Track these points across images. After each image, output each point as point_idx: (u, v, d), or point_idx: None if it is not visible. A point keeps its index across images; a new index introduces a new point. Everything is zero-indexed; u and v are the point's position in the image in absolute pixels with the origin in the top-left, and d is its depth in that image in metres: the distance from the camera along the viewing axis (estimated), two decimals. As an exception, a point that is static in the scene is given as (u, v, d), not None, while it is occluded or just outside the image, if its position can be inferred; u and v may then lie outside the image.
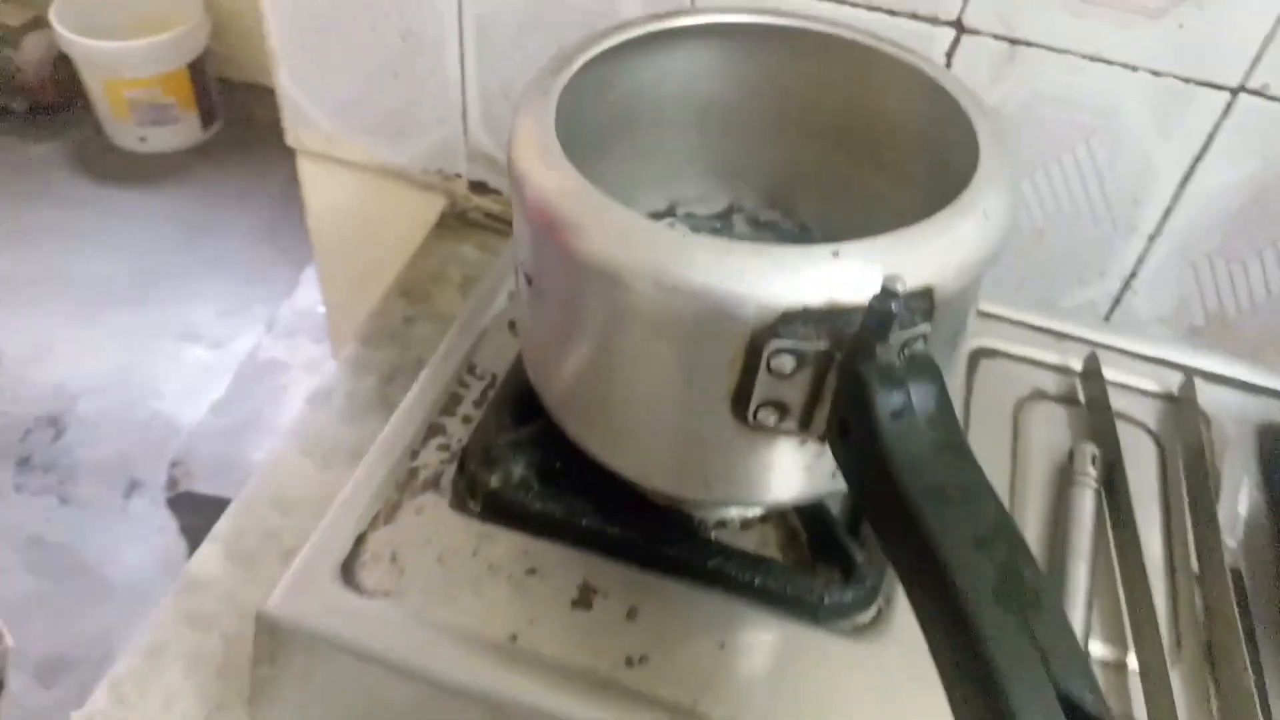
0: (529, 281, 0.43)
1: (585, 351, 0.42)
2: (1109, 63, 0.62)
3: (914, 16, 0.64)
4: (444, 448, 0.52)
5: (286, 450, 0.67)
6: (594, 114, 0.50)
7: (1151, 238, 0.70)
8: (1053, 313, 0.64)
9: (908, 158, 0.52)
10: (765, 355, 0.36)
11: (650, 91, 0.52)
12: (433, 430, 0.53)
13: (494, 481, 0.49)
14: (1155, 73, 0.62)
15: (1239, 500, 0.54)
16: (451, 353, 0.56)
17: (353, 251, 0.94)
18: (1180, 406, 0.58)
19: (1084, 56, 0.62)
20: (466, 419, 0.54)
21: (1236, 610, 0.46)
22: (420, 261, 0.81)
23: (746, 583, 0.47)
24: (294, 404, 1.80)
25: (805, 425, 0.39)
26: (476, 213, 0.85)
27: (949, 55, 0.65)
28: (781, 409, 0.38)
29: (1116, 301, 0.73)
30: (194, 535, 1.76)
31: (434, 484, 0.51)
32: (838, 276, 0.36)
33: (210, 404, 1.87)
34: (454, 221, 0.85)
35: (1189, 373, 0.61)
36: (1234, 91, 0.61)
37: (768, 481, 0.43)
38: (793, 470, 0.42)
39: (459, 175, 0.84)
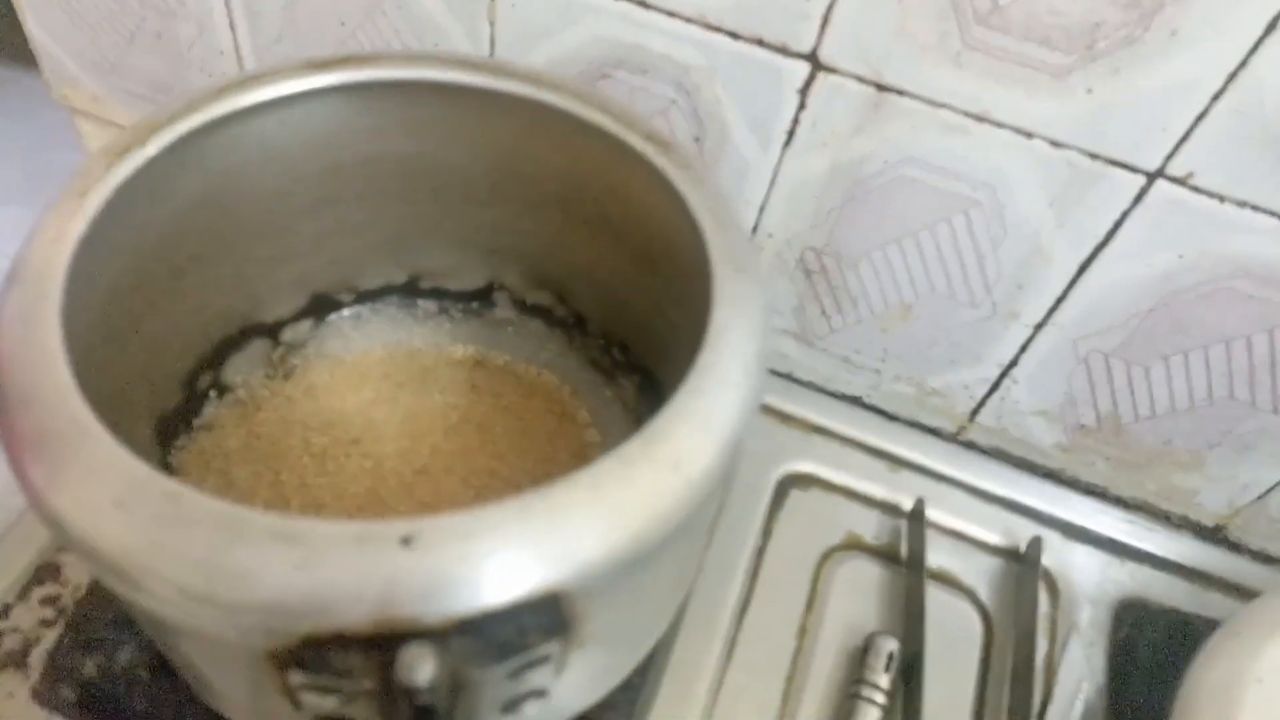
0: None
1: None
2: (997, 125, 0.48)
3: (760, 43, 0.49)
4: (50, 602, 0.40)
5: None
6: (260, 177, 0.36)
7: (1038, 326, 0.57)
8: (890, 432, 0.52)
9: (678, 274, 0.38)
10: (292, 688, 0.24)
11: (350, 148, 0.38)
12: (42, 574, 0.41)
13: (89, 668, 0.38)
14: (1055, 143, 0.48)
15: (1074, 709, 0.43)
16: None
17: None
18: (1021, 573, 0.47)
19: (967, 114, 0.48)
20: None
21: None
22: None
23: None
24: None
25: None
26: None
27: (801, 94, 0.51)
28: (352, 721, 0.26)
29: (994, 388, 0.61)
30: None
31: (19, 659, 0.39)
32: (399, 582, 0.23)
33: None
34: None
35: (1046, 521, 0.49)
36: (1150, 176, 0.48)
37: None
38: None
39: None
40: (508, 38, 0.54)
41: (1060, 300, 0.55)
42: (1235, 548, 0.61)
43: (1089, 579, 0.48)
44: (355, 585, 0.23)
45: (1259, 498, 0.61)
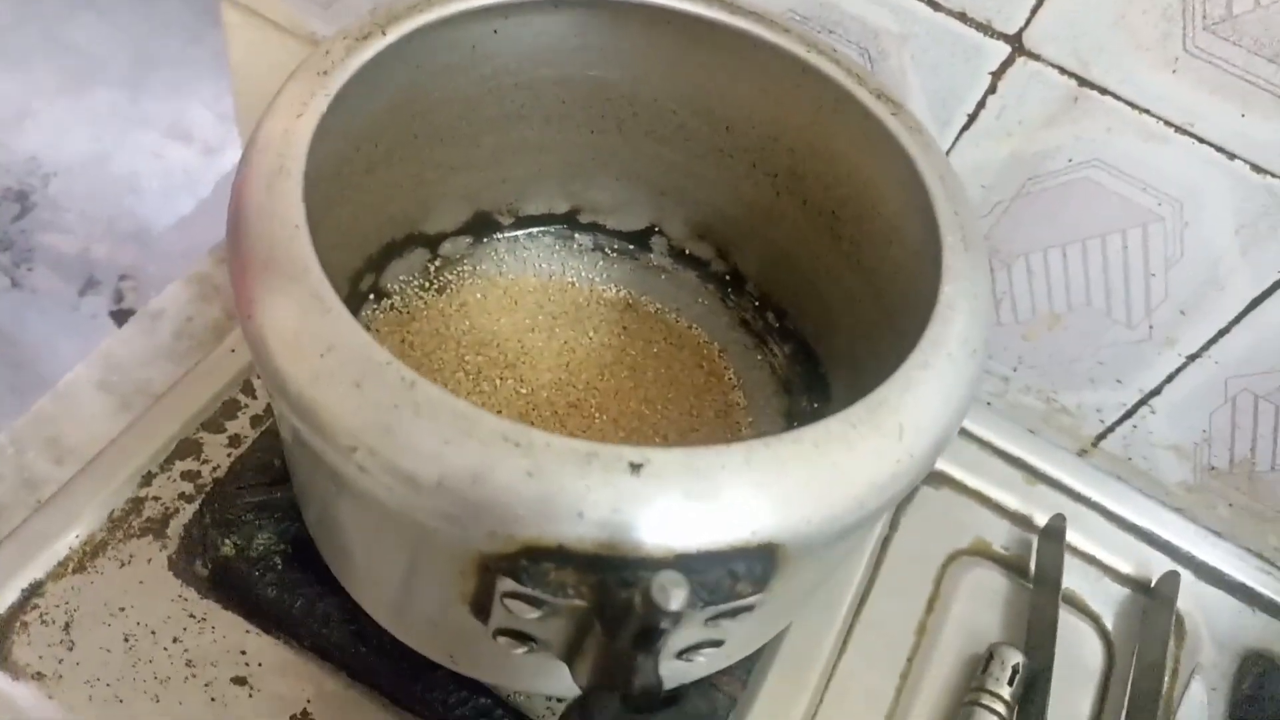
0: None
1: (315, 488, 0.30)
2: (1200, 140, 0.46)
3: (962, 17, 0.47)
4: (191, 477, 0.40)
5: (82, 377, 0.55)
6: (451, 80, 0.36)
7: (1192, 357, 0.55)
8: (1028, 443, 0.50)
9: (867, 240, 0.37)
10: (498, 593, 0.23)
11: (543, 65, 0.37)
12: (185, 448, 0.41)
13: (226, 547, 0.38)
14: (1258, 167, 0.46)
15: (1188, 751, 0.42)
16: (244, 342, 0.44)
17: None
18: (1152, 606, 0.45)
19: (1170, 124, 0.46)
20: (235, 440, 0.42)
21: None
22: (322, 167, 0.67)
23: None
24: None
25: (567, 659, 0.27)
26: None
27: (994, 76, 0.48)
28: (528, 640, 0.26)
29: (1127, 415, 0.59)
30: (134, 354, 1.67)
31: (159, 528, 0.39)
32: (624, 507, 0.23)
33: (179, 218, 1.75)
34: (378, 123, 0.70)
35: (1181, 557, 0.47)
36: (1356, 217, 0.45)
37: (520, 679, 0.31)
38: (550, 676, 0.30)
39: (393, 69, 0.69)
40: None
41: (1223, 333, 0.53)
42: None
43: (1219, 623, 0.46)
44: (583, 502, 0.22)
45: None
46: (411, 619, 0.33)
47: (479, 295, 0.42)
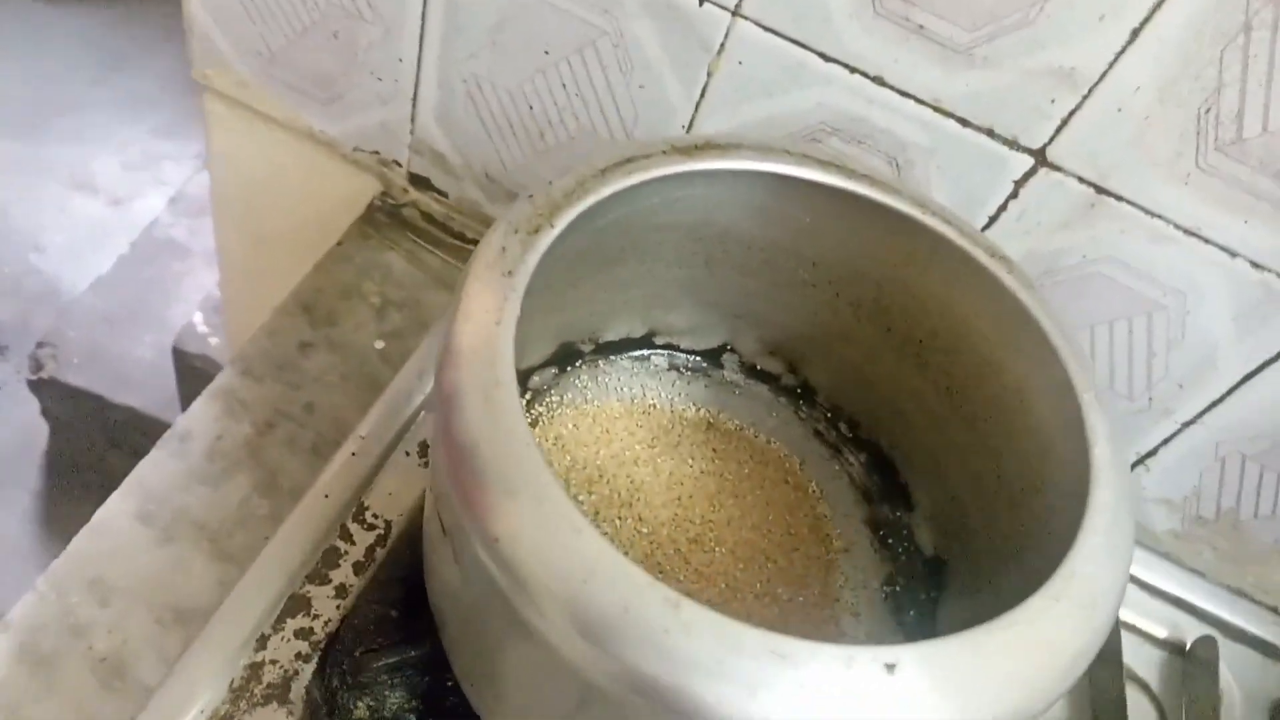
0: (440, 523, 0.31)
1: (492, 647, 0.30)
2: (1206, 241, 0.51)
3: (990, 134, 0.51)
4: (304, 635, 0.40)
5: (118, 509, 0.53)
6: (572, 239, 0.37)
7: (1186, 424, 0.60)
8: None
9: (959, 369, 0.40)
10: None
11: (653, 217, 0.39)
12: (294, 605, 0.41)
13: (360, 710, 0.38)
14: (1256, 264, 0.51)
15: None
16: (336, 484, 0.43)
17: (258, 216, 0.78)
18: (1191, 669, 0.49)
19: (1180, 228, 0.51)
20: (342, 590, 0.41)
21: None
22: (332, 267, 0.67)
23: None
24: (187, 302, 1.62)
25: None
26: (412, 211, 0.70)
27: (1017, 184, 0.52)
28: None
29: (1125, 474, 0.64)
30: (56, 422, 1.59)
31: (281, 693, 0.39)
32: (883, 708, 0.24)
33: (94, 279, 1.67)
34: (384, 217, 0.70)
35: (1209, 620, 0.52)
36: (1338, 305, 0.51)
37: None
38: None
39: (398, 163, 0.69)
40: (724, 92, 0.54)
41: (1215, 403, 0.58)
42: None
43: (1245, 678, 0.51)
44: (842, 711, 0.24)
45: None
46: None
47: (571, 426, 0.43)
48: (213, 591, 0.53)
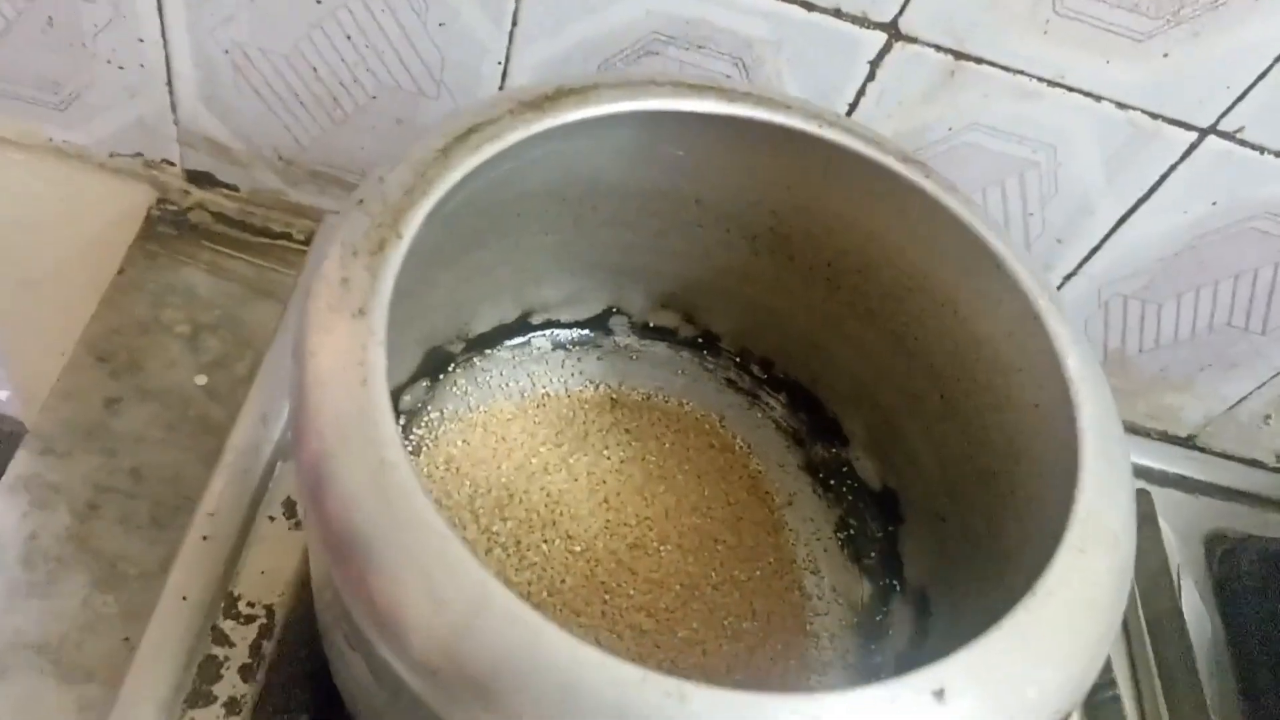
0: (342, 632, 0.25)
1: None
2: (1069, 89, 0.48)
3: (837, 14, 0.46)
4: (207, 759, 0.33)
5: (-72, 656, 0.44)
6: (420, 238, 0.30)
7: (1068, 276, 0.59)
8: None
9: (876, 290, 0.36)
10: None
11: (508, 188, 0.32)
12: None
13: (294, 844, 0.31)
14: (1121, 104, 0.49)
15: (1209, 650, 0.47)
16: (193, 580, 0.36)
17: (13, 257, 0.65)
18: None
19: (1043, 80, 0.48)
20: (233, 706, 0.34)
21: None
22: (120, 300, 0.56)
23: None
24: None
25: None
26: (201, 214, 0.60)
27: (873, 65, 0.48)
28: None
29: (1014, 336, 0.63)
30: None
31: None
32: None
33: None
34: (168, 228, 0.59)
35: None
36: (1203, 132, 0.50)
37: None
38: None
39: (169, 162, 0.58)
40: (538, 15, 0.47)
41: (1094, 251, 0.57)
42: (1203, 452, 0.67)
43: (1175, 519, 0.51)
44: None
45: (1229, 409, 0.67)
46: None
47: (461, 442, 0.37)
48: (73, 718, 0.44)
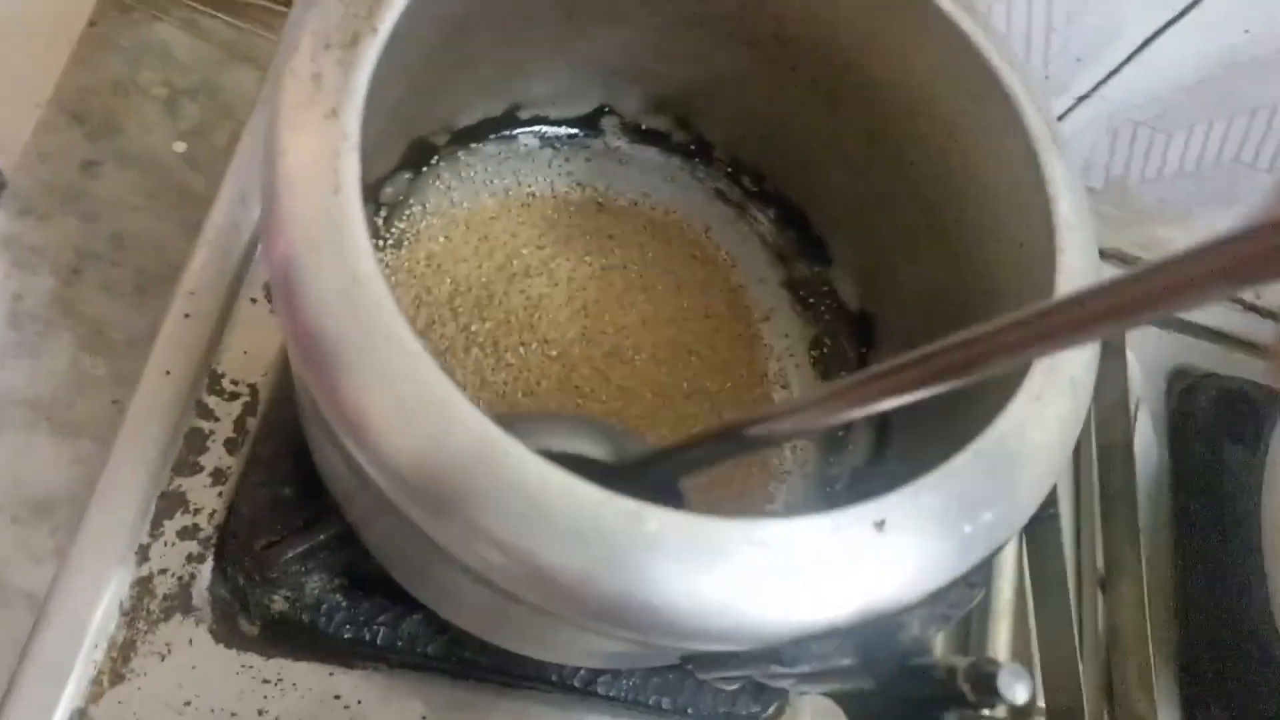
0: (318, 415, 0.25)
1: (402, 545, 0.26)
2: (1114, -107, 0.45)
3: None
4: (190, 533, 0.35)
5: (-78, 410, 0.45)
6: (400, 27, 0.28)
7: (1081, 98, 0.57)
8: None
9: (880, 106, 0.34)
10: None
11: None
12: (167, 505, 0.35)
13: (278, 602, 0.34)
14: (1167, -86, 0.45)
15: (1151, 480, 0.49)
16: (176, 356, 0.37)
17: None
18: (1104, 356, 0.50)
19: (1089, -119, 0.44)
20: (219, 476, 0.36)
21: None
22: (93, 57, 0.53)
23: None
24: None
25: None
26: (173, -37, 0.56)
27: None
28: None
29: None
30: None
31: (183, 601, 0.34)
32: (876, 570, 0.22)
33: None
34: (137, -21, 0.56)
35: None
36: (1248, -49, 0.47)
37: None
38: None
39: (134, -99, 0.54)
40: None
41: (1113, 73, 0.55)
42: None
43: (1143, 352, 0.52)
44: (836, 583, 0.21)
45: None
46: (530, 638, 0.32)
47: (442, 239, 0.37)
48: (68, 472, 0.46)
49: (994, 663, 0.21)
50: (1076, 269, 0.27)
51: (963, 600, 0.24)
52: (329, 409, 0.21)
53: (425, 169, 0.38)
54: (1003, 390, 0.27)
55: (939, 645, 0.42)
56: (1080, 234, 0.27)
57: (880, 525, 0.22)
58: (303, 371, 0.22)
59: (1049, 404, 0.25)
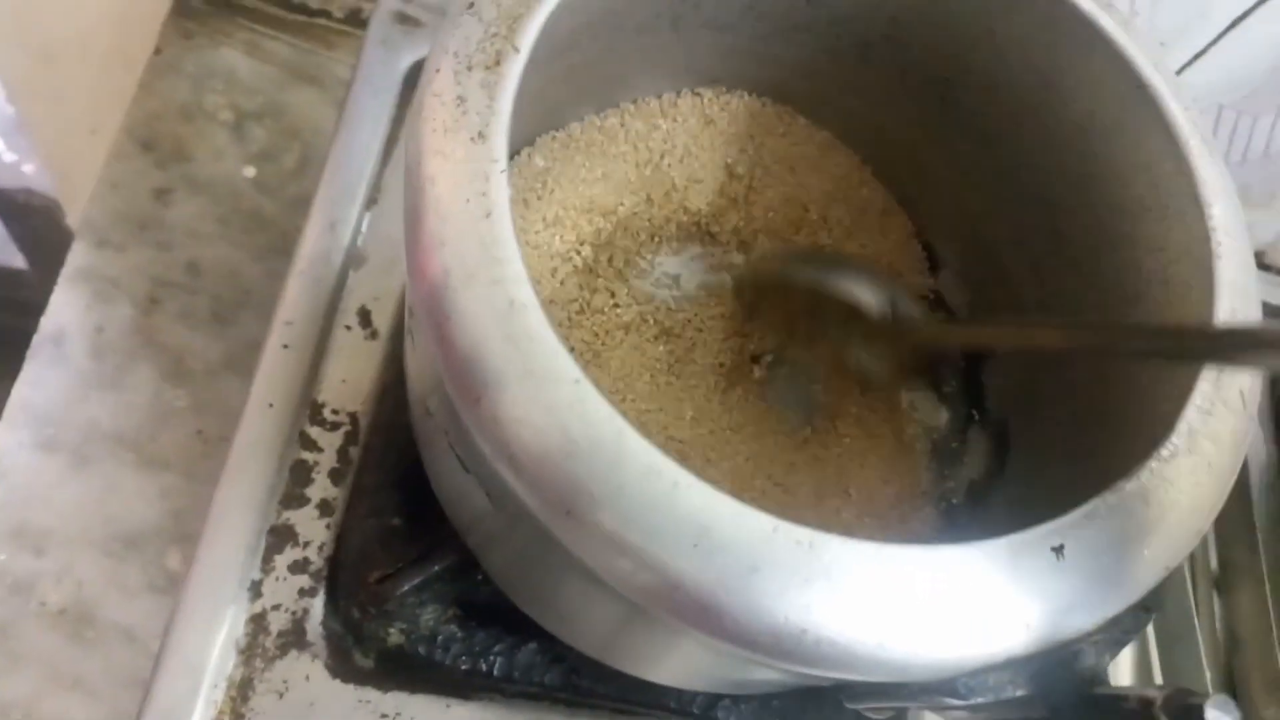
0: (447, 440, 0.25)
1: (532, 564, 0.26)
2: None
3: None
4: (300, 568, 0.34)
5: (11, 442, 0.45)
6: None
7: (1166, 82, 0.55)
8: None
9: (995, 110, 0.33)
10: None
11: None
12: (277, 539, 0.34)
13: (394, 635, 0.33)
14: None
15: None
16: (277, 388, 0.36)
17: (35, 27, 0.61)
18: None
19: None
20: (325, 507, 0.35)
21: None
22: (159, 84, 0.53)
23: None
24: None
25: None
26: (237, -16, 0.56)
27: None
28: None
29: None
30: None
31: (297, 637, 0.34)
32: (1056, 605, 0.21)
33: None
34: (201, 3, 0.55)
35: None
36: (1349, -73, 0.45)
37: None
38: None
39: (198, -77, 0.54)
40: None
41: (1199, 55, 0.53)
42: (1268, 270, 0.66)
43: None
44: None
45: (1304, 226, 0.65)
46: (655, 662, 0.31)
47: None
48: (156, 505, 0.46)
49: (1196, 693, 0.20)
50: (1236, 279, 0.26)
51: (1136, 625, 0.22)
52: (484, 436, 0.21)
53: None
54: (1150, 404, 0.26)
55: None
56: (1237, 242, 0.26)
57: (1059, 551, 0.21)
58: (456, 401, 0.21)
59: (1219, 419, 0.24)
